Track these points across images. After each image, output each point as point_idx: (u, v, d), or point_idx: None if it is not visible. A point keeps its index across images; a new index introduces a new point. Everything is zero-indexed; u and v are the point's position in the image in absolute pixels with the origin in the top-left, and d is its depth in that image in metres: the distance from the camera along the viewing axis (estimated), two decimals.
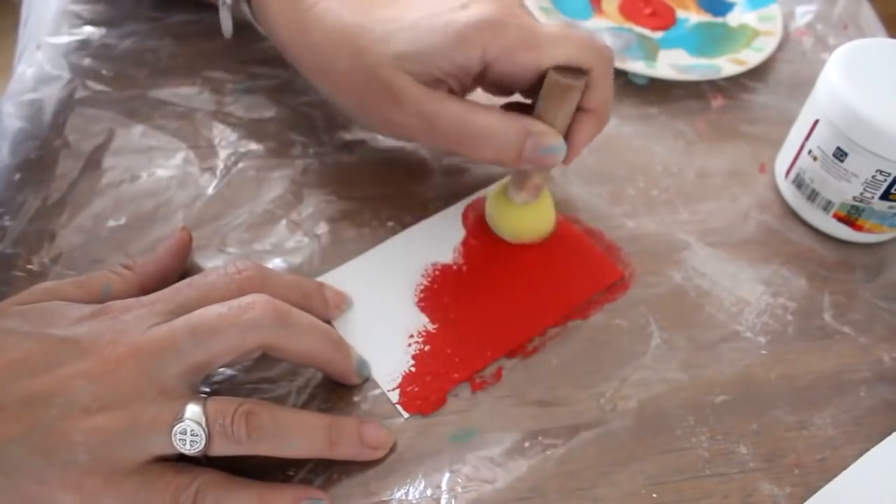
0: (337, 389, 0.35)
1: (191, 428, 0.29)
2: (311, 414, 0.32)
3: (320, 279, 0.39)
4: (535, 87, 0.36)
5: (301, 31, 0.39)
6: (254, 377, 0.35)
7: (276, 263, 0.39)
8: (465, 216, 0.42)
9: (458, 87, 0.37)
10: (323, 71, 0.39)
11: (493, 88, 0.39)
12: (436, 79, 0.36)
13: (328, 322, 0.37)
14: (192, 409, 0.29)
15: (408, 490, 0.33)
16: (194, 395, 0.30)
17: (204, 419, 0.29)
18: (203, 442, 0.29)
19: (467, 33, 0.34)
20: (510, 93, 0.38)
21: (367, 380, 0.36)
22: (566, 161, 0.37)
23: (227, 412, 0.29)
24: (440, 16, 0.35)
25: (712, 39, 0.55)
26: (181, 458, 0.30)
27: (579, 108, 0.36)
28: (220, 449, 0.30)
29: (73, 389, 0.29)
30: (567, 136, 0.37)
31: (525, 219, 0.40)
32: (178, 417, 0.29)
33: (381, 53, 0.35)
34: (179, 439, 0.29)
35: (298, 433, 0.31)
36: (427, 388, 0.35)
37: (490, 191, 0.41)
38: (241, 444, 0.30)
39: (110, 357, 0.29)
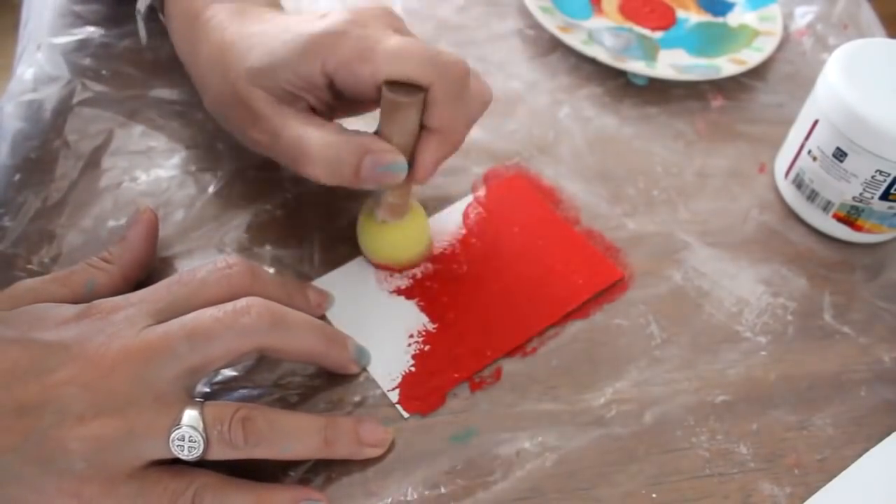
0: (337, 390, 0.35)
1: (189, 434, 0.29)
2: (307, 416, 0.32)
3: (321, 280, 0.39)
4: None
5: (192, 43, 0.39)
6: (253, 378, 0.35)
7: (275, 264, 0.39)
8: (465, 215, 0.42)
9: (318, 103, 0.36)
10: (201, 86, 0.39)
11: (354, 106, 0.38)
12: (289, 94, 0.35)
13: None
14: (190, 415, 0.29)
15: (407, 490, 0.33)
16: (190, 399, 0.30)
17: (202, 425, 0.29)
18: (201, 448, 0.29)
19: (307, 45, 0.34)
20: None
21: (365, 368, 0.36)
22: (418, 179, 0.35)
23: (224, 418, 0.29)
24: (293, 28, 0.35)
25: (712, 39, 0.55)
26: (177, 461, 0.30)
27: (423, 127, 0.34)
28: (218, 454, 0.30)
29: (66, 397, 0.28)
30: (413, 154, 0.35)
31: (383, 238, 0.38)
32: (176, 424, 0.29)
33: (240, 69, 0.35)
34: (177, 445, 0.29)
35: (294, 436, 0.31)
36: (427, 387, 0.35)
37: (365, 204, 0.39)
38: (239, 450, 0.30)
39: (102, 362, 0.29)
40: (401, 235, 0.38)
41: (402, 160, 0.34)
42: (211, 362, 0.30)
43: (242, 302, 0.31)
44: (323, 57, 0.33)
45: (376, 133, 0.35)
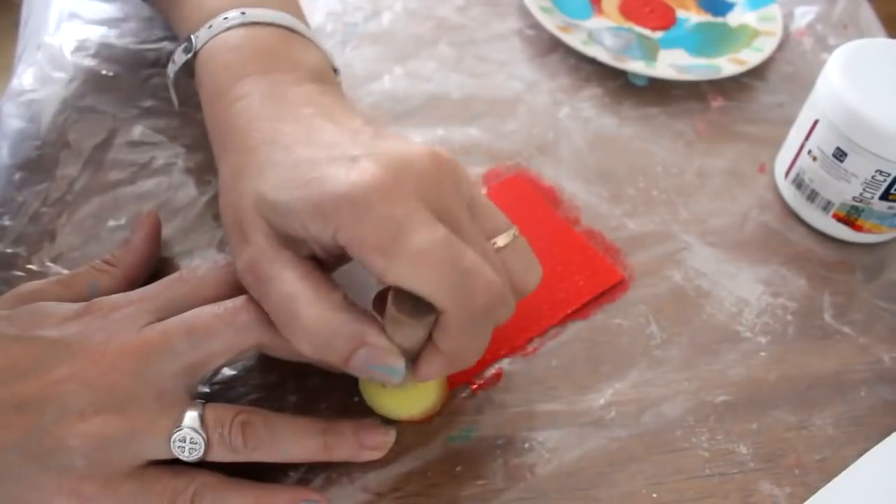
0: (337, 389, 0.35)
1: (190, 436, 0.29)
2: (307, 420, 0.32)
3: None
4: None
5: (217, 119, 0.34)
6: (253, 378, 0.35)
7: None
8: None
9: (323, 254, 0.30)
10: (217, 166, 0.34)
11: None
12: (294, 238, 0.30)
13: None
14: (191, 417, 0.29)
15: (407, 490, 0.33)
16: (191, 400, 0.30)
17: (203, 427, 0.29)
18: (202, 450, 0.29)
19: (322, 206, 0.28)
20: None
21: None
22: (417, 381, 0.30)
23: (224, 421, 0.29)
24: (320, 166, 0.29)
25: (712, 39, 0.55)
26: (176, 460, 0.30)
27: (430, 340, 0.29)
28: (219, 456, 0.30)
29: (67, 394, 0.28)
30: (417, 356, 0.30)
31: (386, 394, 0.33)
32: (177, 425, 0.29)
33: (251, 188, 0.30)
34: (178, 447, 0.29)
35: (294, 441, 0.31)
36: None
37: None
38: (239, 453, 0.30)
39: (103, 359, 0.29)
40: (406, 394, 0.33)
41: (399, 365, 0.29)
42: (211, 359, 0.30)
43: (242, 299, 0.31)
44: (335, 226, 0.28)
45: (381, 307, 0.30)
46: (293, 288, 0.29)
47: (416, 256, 0.27)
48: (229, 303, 0.31)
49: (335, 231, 0.28)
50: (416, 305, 0.28)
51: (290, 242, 0.30)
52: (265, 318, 0.31)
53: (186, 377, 0.30)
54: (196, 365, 0.30)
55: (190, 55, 0.37)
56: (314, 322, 0.28)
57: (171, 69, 0.39)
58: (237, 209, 0.31)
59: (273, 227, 0.30)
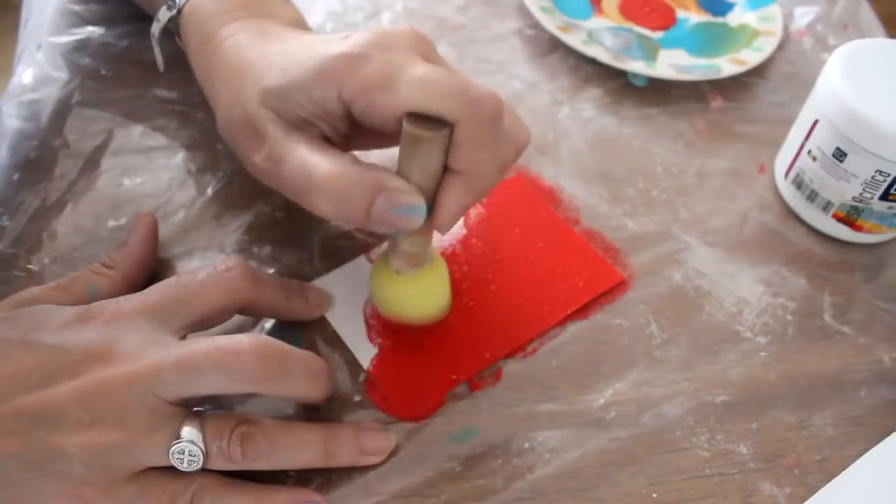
0: (337, 391, 0.35)
1: (188, 448, 0.29)
2: (307, 428, 0.32)
3: (321, 280, 0.39)
4: None
5: (208, 63, 0.36)
6: None
7: (275, 265, 0.39)
8: (466, 216, 0.42)
9: (332, 132, 0.33)
10: (215, 105, 0.36)
11: (374, 137, 0.35)
12: (302, 119, 0.32)
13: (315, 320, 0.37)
14: (189, 430, 0.29)
15: (406, 490, 0.33)
16: (190, 412, 0.30)
17: (201, 439, 0.29)
18: (201, 461, 0.29)
19: (323, 68, 0.31)
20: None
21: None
22: (439, 227, 0.32)
23: (223, 433, 0.29)
24: (312, 49, 0.32)
25: (712, 39, 0.55)
26: None
27: (447, 168, 0.31)
28: (218, 466, 0.30)
29: (66, 405, 0.28)
30: (434, 198, 0.31)
31: (395, 290, 0.35)
32: (176, 438, 0.29)
33: (254, 88, 0.33)
34: (177, 458, 0.29)
35: (294, 451, 0.31)
36: (426, 388, 0.35)
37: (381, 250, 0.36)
38: (238, 464, 0.30)
39: (101, 374, 0.29)
40: (415, 289, 0.35)
41: (420, 202, 0.30)
42: (199, 393, 0.30)
43: (243, 343, 0.30)
44: (340, 82, 0.30)
45: (396, 172, 0.31)
46: (306, 156, 0.31)
47: (421, 79, 0.29)
48: (224, 341, 0.30)
49: (340, 89, 0.30)
50: (430, 127, 0.29)
51: (299, 126, 0.32)
52: (261, 370, 0.30)
53: (179, 399, 0.30)
54: (185, 395, 0.29)
55: (174, 12, 0.39)
56: (331, 177, 0.30)
57: (156, 27, 0.40)
58: (244, 114, 0.33)
59: (281, 116, 0.32)
